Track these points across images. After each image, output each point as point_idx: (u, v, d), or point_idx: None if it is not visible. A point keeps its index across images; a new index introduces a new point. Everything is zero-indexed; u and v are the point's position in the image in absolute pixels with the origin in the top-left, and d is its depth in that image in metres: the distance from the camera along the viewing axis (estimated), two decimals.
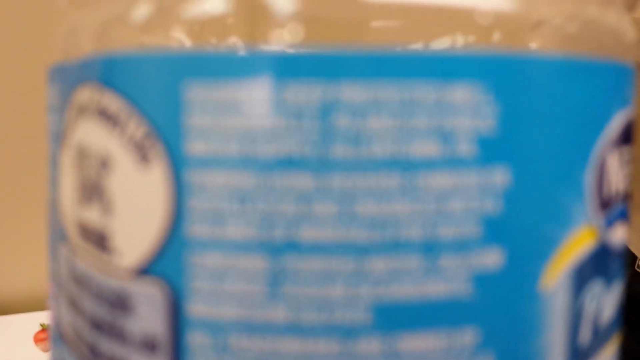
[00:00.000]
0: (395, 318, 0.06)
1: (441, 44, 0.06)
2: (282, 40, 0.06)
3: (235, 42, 0.07)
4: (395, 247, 0.06)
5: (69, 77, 0.08)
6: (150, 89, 0.07)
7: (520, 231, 0.07)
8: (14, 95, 0.52)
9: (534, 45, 0.07)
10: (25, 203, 0.61)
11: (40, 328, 0.56)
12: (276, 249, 0.06)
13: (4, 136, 0.57)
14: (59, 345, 0.09)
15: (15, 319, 0.58)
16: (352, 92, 0.06)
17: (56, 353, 0.10)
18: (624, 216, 0.08)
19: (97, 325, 0.08)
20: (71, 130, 0.08)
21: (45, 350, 0.53)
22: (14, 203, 0.60)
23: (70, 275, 0.09)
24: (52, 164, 0.10)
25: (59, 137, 0.09)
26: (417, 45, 0.06)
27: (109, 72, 0.07)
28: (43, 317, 0.57)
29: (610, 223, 0.08)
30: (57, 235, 0.09)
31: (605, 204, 0.07)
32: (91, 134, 0.08)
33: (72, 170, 0.08)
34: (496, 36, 0.07)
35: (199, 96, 0.06)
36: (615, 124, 0.07)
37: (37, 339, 0.54)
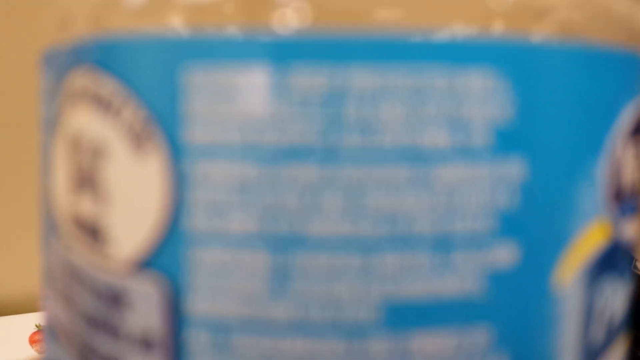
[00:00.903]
0: (405, 316, 0.06)
1: (451, 30, 0.06)
2: (286, 21, 0.06)
3: (236, 24, 0.06)
4: (406, 242, 0.06)
5: (62, 61, 0.08)
6: (147, 74, 0.06)
7: (536, 226, 0.06)
8: (10, 90, 0.52)
9: (542, 33, 0.06)
10: (20, 204, 0.60)
11: (35, 329, 0.55)
12: (280, 244, 0.06)
13: (6, 134, 0.56)
14: (52, 342, 0.09)
15: (10, 320, 0.58)
16: (361, 78, 0.06)
17: (50, 351, 0.09)
18: (635, 210, 0.08)
19: (92, 322, 0.07)
20: (64, 117, 0.08)
21: (41, 352, 0.54)
22: (9, 205, 0.60)
23: (63, 269, 0.08)
24: (44, 152, 0.09)
25: (51, 125, 0.09)
26: (426, 30, 0.06)
27: (105, 55, 0.07)
28: (39, 319, 0.57)
29: (622, 215, 0.07)
30: (50, 227, 0.09)
31: (618, 195, 0.07)
32: (85, 121, 0.07)
33: (65, 158, 0.08)
34: (505, 23, 0.06)
35: (198, 81, 0.06)
36: (628, 115, 0.07)
37: (33, 340, 0.53)
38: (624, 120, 0.07)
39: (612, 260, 0.07)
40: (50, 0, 0.10)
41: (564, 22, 0.07)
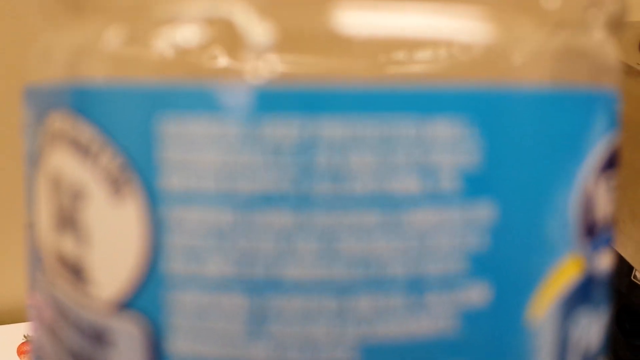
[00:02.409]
0: (381, 357, 0.06)
1: (420, 74, 0.06)
2: (258, 73, 0.06)
3: (209, 75, 0.06)
4: (379, 285, 0.06)
5: (43, 100, 0.08)
6: (123, 121, 0.06)
7: (507, 265, 0.06)
8: (13, 104, 0.52)
9: (514, 73, 0.07)
10: (11, 214, 0.60)
11: (23, 340, 0.55)
12: (257, 287, 0.06)
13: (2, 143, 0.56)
14: None
15: None
16: (331, 128, 0.06)
17: None
18: (610, 242, 0.08)
19: (77, 357, 0.08)
20: (45, 155, 0.08)
21: None
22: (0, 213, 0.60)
23: (48, 303, 0.08)
24: (28, 185, 0.09)
25: (33, 160, 0.09)
26: (395, 76, 0.06)
27: (82, 101, 0.07)
28: (27, 329, 0.58)
29: (596, 249, 0.07)
30: (35, 260, 0.09)
31: (590, 231, 0.07)
32: (64, 163, 0.07)
33: (48, 196, 0.08)
34: (477, 67, 0.06)
35: (173, 130, 0.06)
36: (598, 150, 0.07)
37: (21, 351, 0.53)
38: (594, 157, 0.07)
39: (586, 293, 0.07)
40: (33, 37, 0.10)
41: (532, 65, 0.07)
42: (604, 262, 0.08)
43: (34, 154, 0.09)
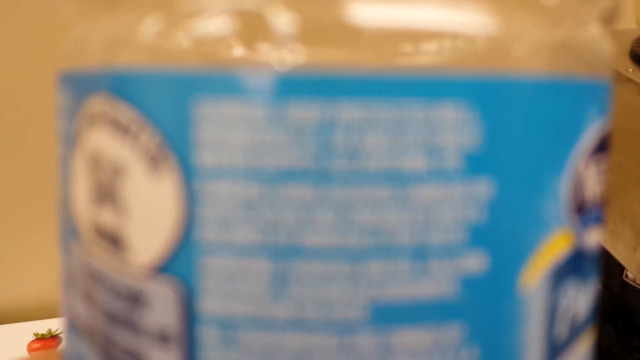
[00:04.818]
0: (388, 316, 0.07)
1: (428, 62, 0.07)
2: (283, 60, 0.07)
3: (241, 60, 0.07)
4: (388, 252, 0.07)
5: (80, 84, 0.09)
6: (161, 104, 0.07)
7: (502, 237, 0.07)
8: (15, 103, 0.52)
9: (514, 63, 0.07)
10: (19, 212, 0.60)
11: (33, 337, 0.55)
12: (280, 253, 0.07)
13: (4, 144, 0.57)
14: (74, 335, 0.10)
15: (8, 329, 0.58)
16: (348, 111, 0.07)
17: (71, 342, 0.10)
18: (599, 220, 0.09)
19: (113, 318, 0.08)
20: (84, 135, 0.09)
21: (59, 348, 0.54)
22: (8, 213, 0.59)
23: (84, 271, 0.09)
24: (63, 164, 0.10)
25: (70, 140, 0.09)
26: (407, 64, 0.07)
27: (121, 85, 0.08)
28: (37, 327, 0.57)
29: (585, 226, 0.08)
30: (69, 232, 0.10)
31: (579, 208, 0.08)
32: (104, 142, 0.08)
33: (86, 173, 0.09)
34: (480, 57, 0.07)
35: (207, 111, 0.07)
36: (589, 135, 0.08)
37: (31, 349, 0.54)
38: (585, 141, 0.08)
39: (575, 265, 0.08)
40: (65, 25, 0.11)
41: (532, 53, 0.08)
42: (593, 238, 0.09)
43: (70, 135, 0.09)
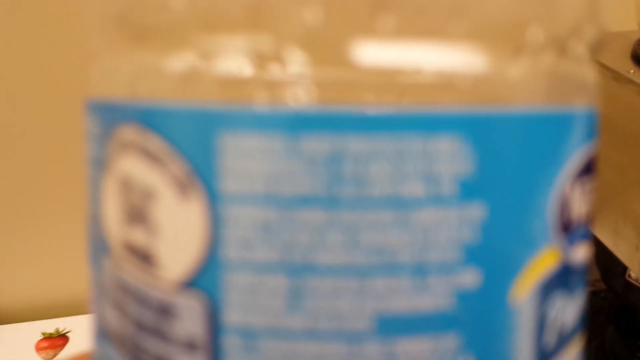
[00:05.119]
0: (392, 326, 0.08)
1: (424, 101, 0.08)
2: (298, 98, 0.08)
3: (259, 97, 0.08)
4: (391, 269, 0.08)
5: (109, 113, 0.10)
6: (187, 136, 0.08)
7: (494, 255, 0.08)
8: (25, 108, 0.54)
9: (502, 98, 0.08)
10: (27, 212, 0.60)
11: (41, 337, 0.55)
12: (295, 270, 0.08)
13: (7, 144, 0.58)
14: (103, 342, 0.11)
15: (16, 328, 0.58)
16: (355, 144, 0.08)
17: (100, 349, 0.11)
18: (585, 237, 0.10)
19: (142, 328, 0.09)
20: (114, 160, 0.10)
21: (47, 359, 0.53)
22: (16, 212, 0.59)
23: (115, 284, 0.10)
24: (93, 185, 0.11)
25: (101, 164, 0.10)
26: (407, 102, 0.08)
27: (149, 117, 0.09)
28: (44, 326, 0.57)
29: (571, 243, 0.09)
30: (100, 248, 0.11)
31: (566, 227, 0.09)
32: (135, 168, 0.09)
33: (117, 195, 0.10)
34: (471, 93, 0.08)
35: (230, 144, 0.08)
36: (574, 160, 0.09)
37: (39, 348, 0.54)
38: (571, 165, 0.09)
39: (562, 279, 0.09)
40: (90, 55, 0.12)
41: (521, 87, 0.09)
42: (579, 254, 0.09)
43: (101, 159, 0.10)
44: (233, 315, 0.08)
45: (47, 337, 0.54)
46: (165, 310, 0.09)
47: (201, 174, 0.08)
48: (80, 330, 0.57)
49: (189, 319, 0.08)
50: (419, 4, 0.08)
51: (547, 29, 0.09)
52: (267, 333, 0.08)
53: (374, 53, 0.08)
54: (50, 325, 0.56)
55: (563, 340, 0.09)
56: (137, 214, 0.09)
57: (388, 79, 0.08)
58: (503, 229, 0.08)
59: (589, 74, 0.10)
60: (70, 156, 0.56)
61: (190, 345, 0.08)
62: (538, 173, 0.08)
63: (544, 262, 0.09)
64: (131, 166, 0.09)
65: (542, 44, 0.09)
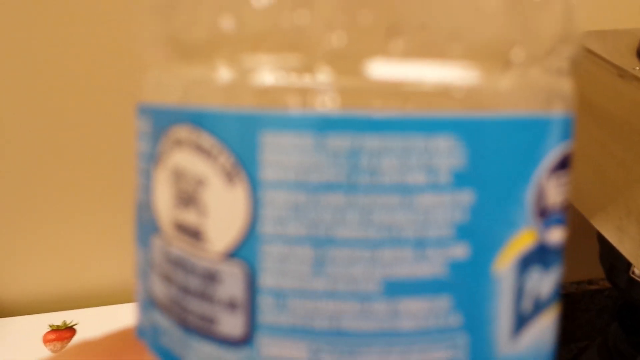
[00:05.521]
0: (396, 289, 0.10)
1: (427, 106, 0.10)
2: (324, 104, 0.10)
3: (293, 103, 0.10)
4: (397, 242, 0.10)
5: (162, 116, 0.12)
6: (234, 134, 0.10)
7: (480, 233, 0.10)
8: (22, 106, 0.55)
9: (491, 105, 0.10)
10: (34, 205, 0.60)
11: (49, 329, 0.56)
12: (319, 243, 0.10)
13: (18, 138, 0.59)
14: (150, 309, 0.13)
15: (24, 321, 0.58)
16: (370, 141, 0.09)
17: (146, 316, 0.13)
18: (560, 222, 0.11)
19: (189, 292, 0.11)
20: (167, 155, 0.12)
21: (54, 351, 0.54)
22: (23, 205, 0.59)
23: (163, 258, 0.12)
24: (145, 176, 0.13)
25: (153, 158, 0.12)
26: (412, 108, 0.10)
27: (202, 119, 0.11)
28: (52, 319, 0.57)
29: (547, 226, 0.11)
30: (149, 229, 0.13)
31: (542, 213, 0.11)
32: (187, 160, 0.11)
33: (168, 184, 0.12)
34: (465, 100, 0.10)
35: (269, 140, 0.10)
36: (551, 157, 0.11)
37: (46, 340, 0.55)
38: (547, 161, 0.11)
39: (538, 256, 0.11)
40: (142, 65, 0.14)
41: (504, 95, 0.10)
42: (554, 236, 0.11)
43: (153, 154, 0.12)
44: (267, 279, 0.10)
45: (55, 330, 0.55)
46: (210, 277, 0.11)
47: (245, 165, 0.10)
48: (87, 323, 0.57)
49: (231, 283, 0.10)
50: (423, 33, 0.10)
51: (528, 49, 0.10)
52: (294, 293, 0.10)
53: (386, 69, 0.10)
54: (58, 318, 0.57)
55: (539, 307, 0.11)
56: (189, 199, 0.11)
57: (396, 89, 0.10)
58: (488, 212, 0.10)
59: (566, 85, 0.12)
60: (82, 150, 0.57)
61: (231, 305, 0.10)
62: (519, 167, 0.10)
63: (522, 241, 0.10)
64: (184, 159, 0.11)
65: (523, 62, 0.10)
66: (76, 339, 0.55)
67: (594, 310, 0.73)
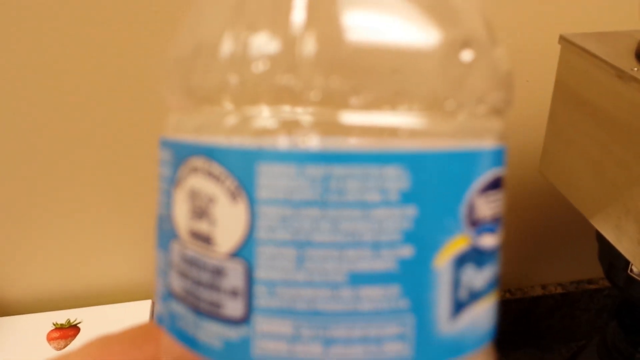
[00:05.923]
0: (358, 279, 0.13)
1: (382, 141, 0.13)
2: (305, 143, 0.13)
3: (282, 142, 0.13)
4: (358, 245, 0.13)
5: (181, 148, 0.15)
6: (237, 164, 0.13)
7: (422, 238, 0.13)
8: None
9: (430, 143, 0.13)
10: (39, 204, 0.59)
11: (53, 327, 0.55)
12: (301, 245, 0.13)
13: (22, 138, 0.57)
14: (168, 299, 0.16)
15: (29, 319, 0.58)
16: (338, 169, 0.13)
17: (165, 305, 0.16)
18: (491, 230, 0.15)
19: (200, 284, 0.14)
20: (185, 179, 0.15)
21: (58, 349, 0.54)
22: (28, 204, 0.59)
23: (180, 258, 0.15)
24: (166, 194, 0.16)
25: (173, 181, 0.16)
26: (374, 141, 0.13)
27: (213, 152, 0.14)
28: (56, 317, 0.57)
29: (479, 233, 0.14)
30: (169, 236, 0.16)
31: (474, 223, 0.14)
32: (201, 183, 0.14)
33: (186, 201, 0.15)
34: (409, 139, 0.13)
35: (263, 169, 0.13)
36: (482, 180, 0.14)
37: (50, 338, 0.55)
38: (478, 184, 0.14)
39: (472, 257, 0.14)
40: (165, 108, 0.17)
41: (439, 138, 0.14)
42: (486, 241, 0.14)
43: (174, 178, 0.16)
44: (261, 273, 0.13)
45: (59, 328, 0.56)
46: (218, 272, 0.14)
47: (245, 187, 0.13)
48: (91, 321, 0.57)
49: (234, 276, 0.14)
50: (376, 91, 0.13)
51: (459, 100, 0.14)
52: (282, 283, 0.13)
53: (350, 117, 0.13)
54: (62, 316, 0.58)
55: (474, 296, 0.14)
56: (202, 212, 0.14)
57: (358, 131, 0.13)
58: (428, 222, 0.13)
59: (496, 123, 0.15)
60: (85, 150, 0.57)
61: (234, 293, 0.14)
62: (453, 188, 0.13)
63: (457, 244, 0.14)
64: (198, 182, 0.14)
65: (455, 110, 0.14)
66: (80, 337, 0.56)
67: (594, 309, 0.74)
